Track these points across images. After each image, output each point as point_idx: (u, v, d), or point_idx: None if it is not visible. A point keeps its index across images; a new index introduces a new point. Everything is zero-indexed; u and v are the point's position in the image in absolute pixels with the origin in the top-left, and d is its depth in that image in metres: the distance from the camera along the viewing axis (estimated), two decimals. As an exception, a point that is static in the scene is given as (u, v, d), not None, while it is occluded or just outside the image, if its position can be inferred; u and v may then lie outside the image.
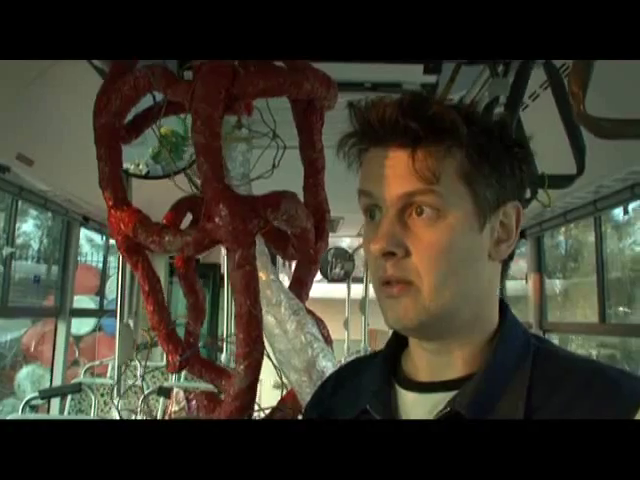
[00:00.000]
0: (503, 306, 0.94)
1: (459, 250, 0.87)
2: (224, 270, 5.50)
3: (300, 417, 1.85)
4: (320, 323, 1.88)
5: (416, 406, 0.91)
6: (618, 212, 4.03)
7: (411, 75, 2.57)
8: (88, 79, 2.33)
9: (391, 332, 0.98)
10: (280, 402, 1.92)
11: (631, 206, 3.81)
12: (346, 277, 6.53)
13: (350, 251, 6.64)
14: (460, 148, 0.86)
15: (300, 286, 1.86)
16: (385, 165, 0.88)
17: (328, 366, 1.78)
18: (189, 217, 2.06)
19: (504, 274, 0.94)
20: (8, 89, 2.42)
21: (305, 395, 1.78)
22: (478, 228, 0.88)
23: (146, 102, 1.95)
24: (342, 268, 6.46)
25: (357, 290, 6.34)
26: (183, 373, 4.93)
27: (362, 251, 7.26)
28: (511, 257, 0.94)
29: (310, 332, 1.78)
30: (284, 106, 1.85)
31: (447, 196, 0.86)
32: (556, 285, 5.62)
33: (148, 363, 5.01)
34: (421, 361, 0.94)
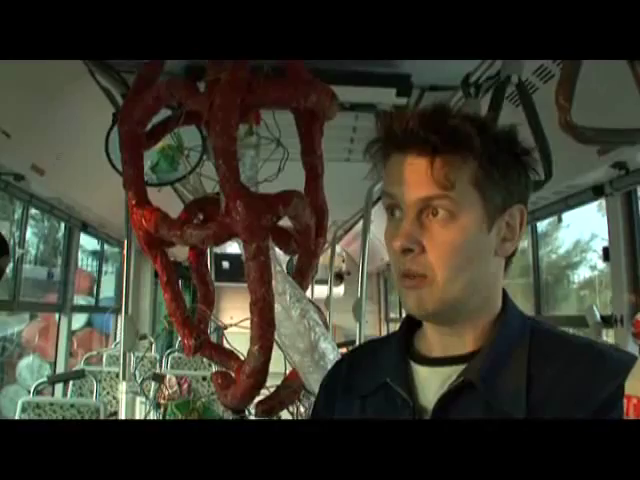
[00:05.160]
0: (504, 294, 0.93)
1: (469, 248, 0.86)
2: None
3: (302, 393, 1.79)
4: (319, 310, 1.82)
5: (430, 378, 0.90)
6: (538, 224, 4.06)
7: (385, 97, 2.54)
8: (95, 100, 2.28)
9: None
10: (284, 381, 1.84)
11: (547, 221, 3.85)
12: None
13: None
14: (474, 158, 0.84)
15: (302, 277, 1.80)
16: (406, 170, 0.86)
17: (328, 348, 1.71)
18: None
19: (507, 267, 0.93)
20: (26, 109, 2.39)
21: (307, 374, 1.71)
22: (486, 229, 0.87)
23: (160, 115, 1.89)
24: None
25: (319, 290, 6.33)
26: (170, 362, 4.82)
27: (321, 258, 7.30)
28: (514, 253, 0.92)
29: (312, 318, 1.71)
30: (286, 123, 1.79)
31: (460, 201, 0.84)
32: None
33: (137, 354, 4.90)
34: (434, 340, 0.92)
